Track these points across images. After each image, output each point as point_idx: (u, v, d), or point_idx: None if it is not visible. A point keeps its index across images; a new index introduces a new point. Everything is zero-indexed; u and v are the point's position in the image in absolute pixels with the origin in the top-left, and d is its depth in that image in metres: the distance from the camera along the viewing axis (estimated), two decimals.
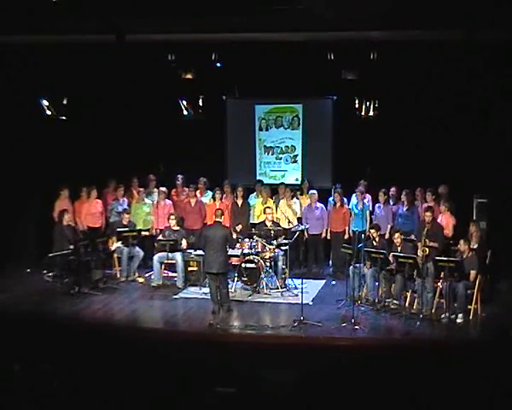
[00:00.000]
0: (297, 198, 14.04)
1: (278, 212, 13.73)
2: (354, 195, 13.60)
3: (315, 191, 13.78)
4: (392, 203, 13.47)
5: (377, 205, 13.43)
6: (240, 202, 13.97)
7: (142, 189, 14.26)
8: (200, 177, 14.33)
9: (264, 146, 15.55)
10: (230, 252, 11.93)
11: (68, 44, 11.94)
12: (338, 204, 13.51)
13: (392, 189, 13.51)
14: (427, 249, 11.14)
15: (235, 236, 12.71)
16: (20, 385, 7.15)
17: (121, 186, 14.18)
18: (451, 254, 11.33)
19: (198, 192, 14.24)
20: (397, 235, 11.65)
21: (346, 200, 13.66)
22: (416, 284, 11.06)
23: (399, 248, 11.52)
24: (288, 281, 12.65)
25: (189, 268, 12.87)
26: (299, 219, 13.68)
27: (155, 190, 14.37)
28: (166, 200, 14.03)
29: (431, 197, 13.00)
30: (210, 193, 14.26)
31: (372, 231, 11.94)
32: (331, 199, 13.85)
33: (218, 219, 11.51)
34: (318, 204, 13.70)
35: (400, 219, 13.03)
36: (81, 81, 13.29)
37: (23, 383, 7.18)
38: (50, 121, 13.79)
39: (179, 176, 14.48)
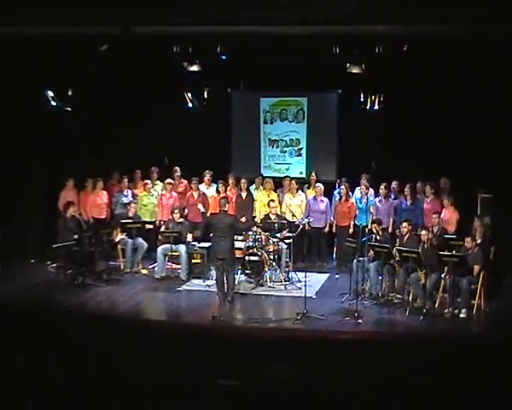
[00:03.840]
0: (302, 191, 14.00)
1: (283, 206, 13.71)
2: (358, 189, 13.57)
3: (320, 184, 13.75)
4: (393, 197, 13.44)
5: (377, 199, 13.40)
6: (244, 194, 13.96)
7: (148, 181, 14.24)
8: (204, 169, 14.30)
9: (269, 139, 15.55)
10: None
11: (74, 36, 11.91)
12: (344, 198, 13.47)
13: (394, 182, 13.47)
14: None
15: None
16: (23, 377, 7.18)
17: (125, 178, 14.19)
18: (455, 249, 11.30)
19: (205, 185, 14.23)
20: (404, 224, 11.65)
21: (351, 194, 13.63)
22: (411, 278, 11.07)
23: (405, 239, 11.51)
24: (292, 274, 12.64)
25: (193, 260, 12.87)
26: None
27: (158, 182, 14.36)
28: (173, 192, 14.03)
29: (430, 191, 12.99)
30: (215, 186, 14.26)
31: (374, 225, 11.92)
32: (336, 192, 13.83)
33: (223, 209, 11.56)
34: (323, 198, 13.67)
35: (404, 214, 12.98)
36: (86, 73, 13.27)
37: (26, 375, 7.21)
38: (56, 112, 13.77)
39: (177, 168, 14.47)
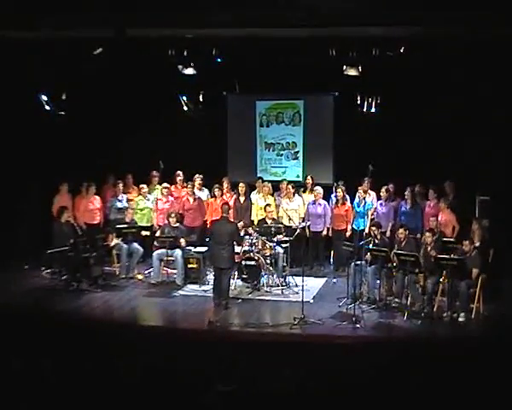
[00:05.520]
0: (299, 195, 14.02)
1: (280, 210, 13.73)
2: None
3: (319, 188, 13.78)
4: (391, 199, 13.49)
5: (379, 202, 13.45)
6: (242, 198, 13.97)
7: (144, 185, 14.25)
8: (199, 173, 14.31)
9: (265, 142, 15.58)
10: None
11: (68, 39, 11.94)
12: (340, 201, 13.50)
13: (391, 185, 13.51)
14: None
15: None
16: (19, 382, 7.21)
17: (120, 182, 14.21)
18: (453, 252, 11.34)
19: (196, 189, 14.24)
20: (401, 230, 11.70)
21: (348, 197, 13.67)
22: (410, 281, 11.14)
23: (403, 244, 11.56)
24: (289, 279, 12.69)
25: (189, 265, 12.89)
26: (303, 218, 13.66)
27: (158, 186, 14.39)
28: (169, 196, 14.06)
29: (433, 195, 13.03)
30: (206, 190, 14.30)
31: (373, 228, 11.97)
32: (333, 196, 13.86)
33: (224, 215, 11.61)
34: (322, 201, 13.71)
35: (403, 217, 13.03)
36: (80, 76, 13.30)
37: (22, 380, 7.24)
38: (49, 116, 13.79)
39: (180, 172, 14.49)
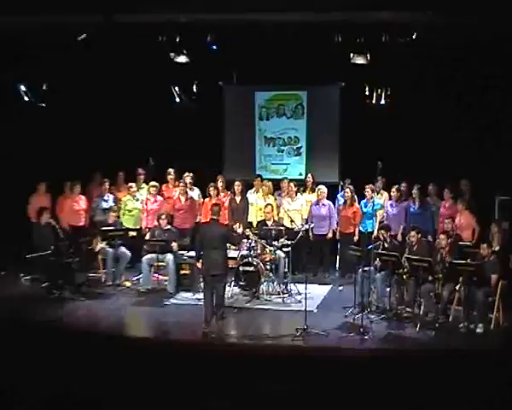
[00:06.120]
0: (301, 194, 13.98)
1: (281, 210, 13.70)
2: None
3: (323, 187, 13.73)
4: (402, 200, 13.43)
5: (389, 203, 13.41)
6: (238, 198, 13.91)
7: (133, 183, 14.20)
8: (192, 171, 14.25)
9: (265, 137, 15.60)
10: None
11: (51, 25, 11.92)
12: (348, 202, 13.43)
13: (403, 184, 13.48)
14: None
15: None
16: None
17: (106, 181, 14.17)
18: (471, 257, 11.30)
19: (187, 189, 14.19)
20: (413, 233, 11.65)
21: (356, 198, 13.59)
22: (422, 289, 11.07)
23: (415, 248, 11.52)
24: (291, 286, 12.63)
25: (182, 271, 12.86)
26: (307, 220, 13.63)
27: (144, 185, 14.34)
28: (158, 196, 14.01)
29: (449, 195, 12.98)
30: (196, 189, 14.23)
31: (382, 231, 11.93)
32: (340, 195, 13.84)
33: (214, 217, 11.48)
34: (326, 201, 13.67)
35: (412, 218, 12.99)
36: (63, 65, 13.28)
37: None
38: (29, 108, 13.78)
39: (171, 170, 14.43)
